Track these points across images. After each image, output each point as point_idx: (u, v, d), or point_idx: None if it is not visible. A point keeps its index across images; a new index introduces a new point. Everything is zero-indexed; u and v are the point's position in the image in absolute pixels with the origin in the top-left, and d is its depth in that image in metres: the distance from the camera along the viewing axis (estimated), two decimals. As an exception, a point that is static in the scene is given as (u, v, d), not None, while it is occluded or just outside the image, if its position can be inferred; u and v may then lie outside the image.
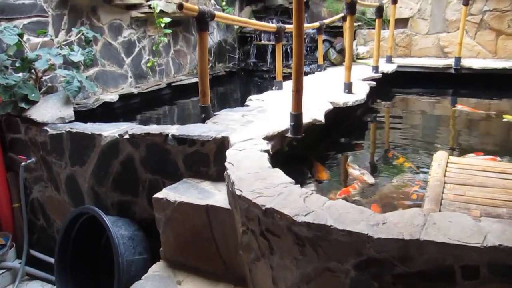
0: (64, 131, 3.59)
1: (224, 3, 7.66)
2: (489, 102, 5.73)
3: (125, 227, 3.16)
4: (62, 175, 3.72)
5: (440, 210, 2.16)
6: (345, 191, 2.93)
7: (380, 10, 5.70)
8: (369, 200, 2.90)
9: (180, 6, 3.01)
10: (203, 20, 3.26)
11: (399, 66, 6.59)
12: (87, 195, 3.58)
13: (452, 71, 6.50)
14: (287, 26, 4.88)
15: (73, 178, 3.63)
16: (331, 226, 1.72)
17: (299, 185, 2.13)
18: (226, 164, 2.46)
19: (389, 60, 6.76)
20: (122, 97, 5.35)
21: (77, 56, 4.02)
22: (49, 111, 3.81)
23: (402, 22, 7.39)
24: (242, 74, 8.28)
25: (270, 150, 2.68)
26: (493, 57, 6.99)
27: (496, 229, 1.67)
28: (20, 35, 3.94)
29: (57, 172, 3.76)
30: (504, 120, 4.40)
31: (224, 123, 3.30)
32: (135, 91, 5.61)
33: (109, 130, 3.38)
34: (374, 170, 3.53)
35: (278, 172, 2.29)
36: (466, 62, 6.48)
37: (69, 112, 3.87)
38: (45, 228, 4.14)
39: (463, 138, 4.50)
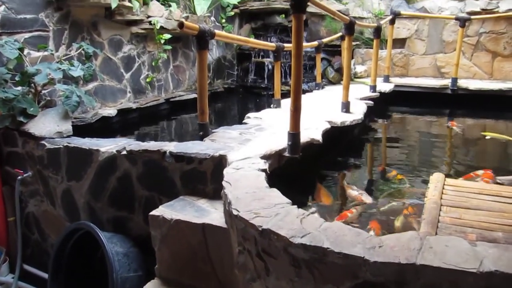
0: (61, 146, 3.59)
1: (223, 21, 7.75)
2: (484, 122, 5.77)
3: (120, 243, 3.15)
4: (58, 190, 3.71)
5: (436, 233, 2.17)
6: (343, 215, 2.92)
7: (378, 30, 5.76)
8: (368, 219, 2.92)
9: (181, 25, 3.04)
10: (203, 39, 3.29)
11: (396, 86, 6.64)
12: (82, 210, 3.56)
13: (449, 91, 6.55)
14: (286, 45, 4.93)
15: (69, 193, 3.62)
16: (328, 248, 1.72)
17: (296, 206, 2.13)
18: (223, 183, 2.46)
19: (387, 79, 6.82)
20: (121, 112, 5.36)
21: (77, 71, 4.05)
22: (47, 126, 3.81)
23: (399, 42, 7.48)
24: (240, 91, 8.33)
25: (267, 169, 2.69)
26: (489, 78, 7.06)
27: (492, 254, 1.67)
28: (21, 49, 3.97)
29: (53, 187, 3.75)
30: (487, 137, 4.40)
31: (222, 141, 3.31)
32: (134, 106, 5.63)
33: (107, 146, 3.38)
34: (371, 189, 3.54)
35: (275, 192, 2.29)
36: (462, 83, 6.54)
37: (67, 127, 3.87)
38: (39, 243, 4.11)
39: (459, 157, 4.52)
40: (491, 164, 4.12)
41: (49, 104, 4.25)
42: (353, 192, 3.29)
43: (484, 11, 6.87)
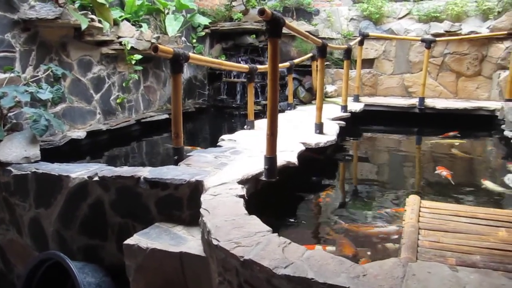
0: (29, 172, 3.45)
1: (194, 41, 7.74)
2: (451, 141, 5.92)
3: (92, 273, 3.02)
4: (26, 218, 3.55)
5: (417, 258, 2.18)
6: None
7: (348, 52, 5.88)
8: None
9: (155, 49, 3.01)
10: (177, 62, 3.26)
11: (366, 105, 6.76)
12: (51, 239, 3.42)
13: (417, 110, 6.72)
14: (259, 66, 4.96)
15: (37, 221, 3.47)
16: (312, 279, 1.70)
17: (276, 234, 2.10)
18: (201, 210, 2.42)
19: (357, 99, 6.94)
20: (90, 133, 5.23)
21: (46, 94, 3.93)
22: (13, 151, 3.66)
23: (368, 63, 7.66)
24: (212, 111, 8.30)
25: (245, 195, 2.65)
26: (454, 97, 7.30)
27: (473, 280, 1.69)
28: (-14, 71, 3.83)
29: (20, 214, 3.58)
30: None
31: (197, 165, 3.26)
32: (104, 127, 5.51)
33: (78, 172, 3.27)
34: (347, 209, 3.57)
35: (255, 219, 2.26)
36: (429, 102, 6.74)
37: (35, 152, 3.73)
38: (4, 274, 3.90)
39: (428, 174, 4.62)
40: (459, 180, 4.25)
41: (16, 128, 4.10)
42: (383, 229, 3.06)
43: (448, 33, 7.13)
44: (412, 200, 2.91)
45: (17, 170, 3.53)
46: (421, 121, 6.70)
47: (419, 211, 2.74)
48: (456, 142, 5.62)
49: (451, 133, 5.90)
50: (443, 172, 4.24)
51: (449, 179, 4.07)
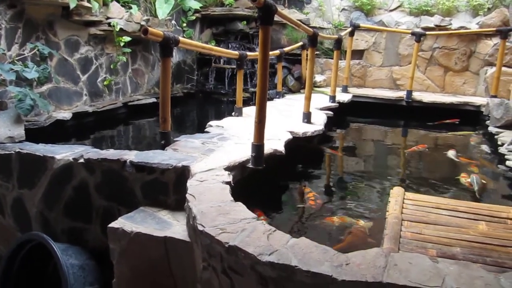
0: (13, 152, 3.40)
1: (184, 25, 7.66)
2: (436, 135, 5.99)
3: (76, 255, 3.01)
4: (8, 198, 3.51)
5: (399, 249, 2.21)
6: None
7: (338, 42, 5.88)
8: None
9: (145, 31, 2.97)
10: (167, 46, 3.22)
11: (354, 96, 6.78)
12: (35, 220, 3.39)
13: (404, 103, 6.77)
14: (249, 53, 4.93)
15: (21, 202, 3.43)
16: (296, 266, 1.72)
17: (261, 221, 2.12)
18: (187, 196, 2.42)
19: (345, 89, 6.96)
20: (76, 115, 5.19)
21: (32, 73, 3.87)
22: (-3, 130, 3.61)
23: (357, 54, 7.67)
24: (200, 96, 8.26)
25: (231, 182, 2.66)
26: (441, 91, 7.37)
27: (453, 272, 1.73)
28: (-30, 48, 3.75)
29: (2, 195, 3.54)
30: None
31: (184, 150, 3.25)
32: (90, 109, 5.45)
33: (63, 153, 3.23)
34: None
35: (241, 206, 2.27)
36: (417, 95, 6.79)
37: (19, 132, 3.68)
38: (-15, 253, 3.88)
39: (412, 166, 4.69)
40: (441, 174, 4.33)
41: (0, 107, 4.03)
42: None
43: (438, 27, 7.16)
44: (396, 191, 2.95)
45: (0, 149, 3.47)
46: (408, 114, 6.75)
47: (403, 202, 2.78)
48: (473, 134, 5.77)
49: (448, 121, 5.98)
50: (417, 149, 4.96)
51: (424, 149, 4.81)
